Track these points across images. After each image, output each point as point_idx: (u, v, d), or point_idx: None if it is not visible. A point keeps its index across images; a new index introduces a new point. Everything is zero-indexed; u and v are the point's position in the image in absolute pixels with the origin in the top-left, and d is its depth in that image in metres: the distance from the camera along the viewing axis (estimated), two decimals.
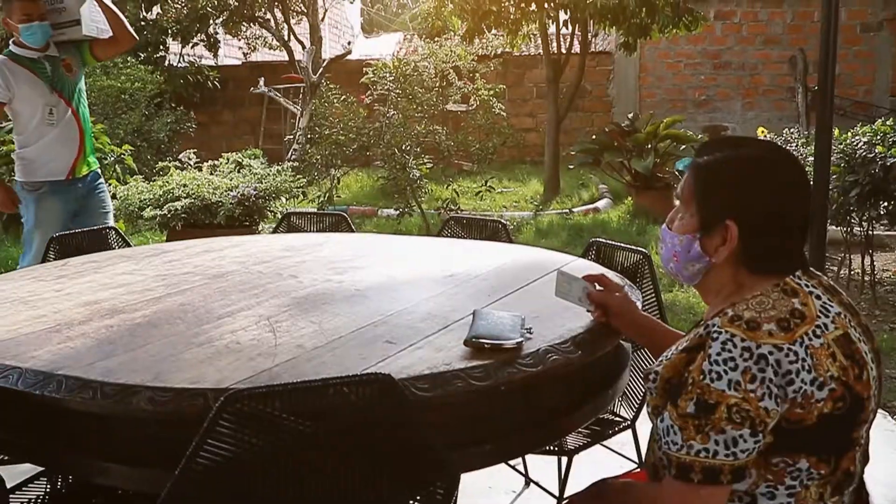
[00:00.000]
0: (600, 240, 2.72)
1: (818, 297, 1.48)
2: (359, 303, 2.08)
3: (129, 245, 3.24)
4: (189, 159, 6.34)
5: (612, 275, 2.28)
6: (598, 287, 1.95)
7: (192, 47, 11.99)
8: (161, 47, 11.08)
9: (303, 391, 1.42)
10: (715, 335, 1.41)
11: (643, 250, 2.54)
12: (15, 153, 4.18)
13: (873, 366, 1.48)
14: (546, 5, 8.42)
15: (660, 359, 1.52)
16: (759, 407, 1.35)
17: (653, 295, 2.46)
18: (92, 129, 6.37)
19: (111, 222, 4.29)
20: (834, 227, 5.52)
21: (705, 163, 1.57)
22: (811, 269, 1.56)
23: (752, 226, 1.51)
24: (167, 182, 5.75)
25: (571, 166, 9.67)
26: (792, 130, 7.03)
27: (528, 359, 1.68)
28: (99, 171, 4.40)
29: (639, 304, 2.03)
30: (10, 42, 4.06)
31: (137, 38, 4.62)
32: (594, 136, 9.39)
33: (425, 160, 7.54)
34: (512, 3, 8.68)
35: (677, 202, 1.65)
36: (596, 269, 2.44)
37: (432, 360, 1.64)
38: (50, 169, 4.08)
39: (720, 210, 1.53)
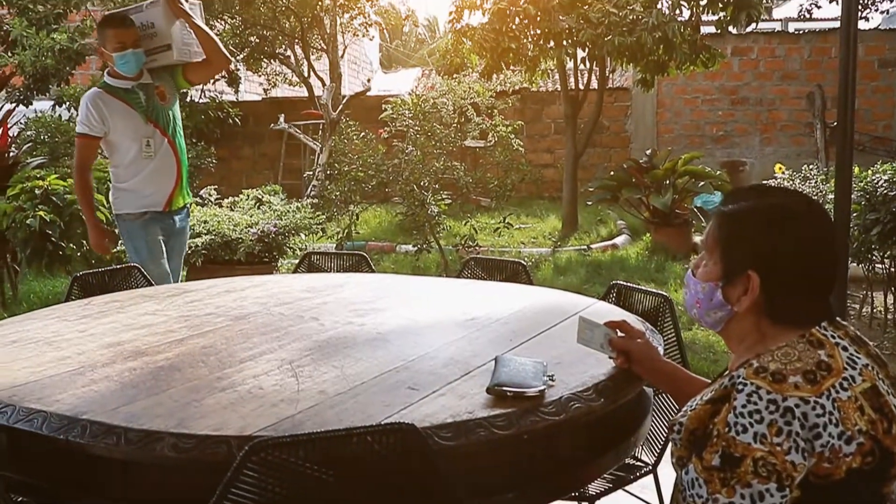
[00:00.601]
0: (620, 282, 2.72)
1: (844, 349, 1.46)
2: (380, 347, 2.09)
3: (151, 283, 3.26)
4: (210, 195, 6.40)
5: (633, 319, 2.27)
6: (619, 333, 1.95)
7: (214, 83, 12.13)
8: None
9: (326, 440, 1.43)
10: (740, 387, 1.40)
11: (664, 293, 2.53)
12: (112, 185, 4.09)
13: None
14: (564, 42, 8.48)
15: (684, 409, 1.51)
16: (786, 461, 1.33)
17: (674, 339, 2.45)
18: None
19: (181, 263, 4.31)
20: (855, 265, 5.48)
21: (730, 211, 1.57)
22: (838, 319, 1.54)
23: (775, 278, 1.50)
24: None
25: (589, 202, 9.68)
26: (811, 167, 7.03)
27: (550, 407, 1.67)
28: (189, 206, 4.32)
29: (660, 350, 2.02)
30: (105, 73, 3.98)
31: (231, 58, 4.66)
32: (612, 173, 9.41)
33: (444, 196, 7.56)
34: (530, 40, 8.75)
35: (703, 247, 1.65)
36: (617, 312, 2.43)
37: (455, 407, 1.64)
38: (150, 200, 4.01)
39: (743, 260, 1.53)
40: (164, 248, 4.04)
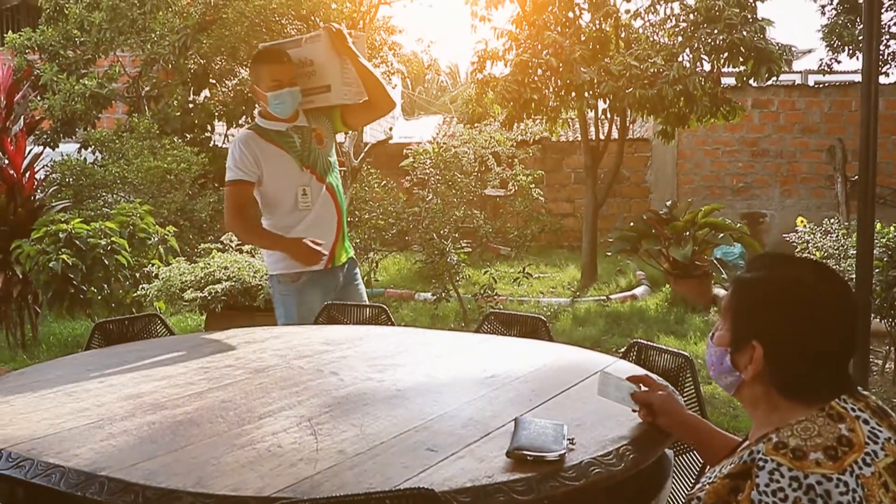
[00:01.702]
0: (641, 341, 2.70)
1: (865, 422, 1.44)
2: (400, 405, 2.08)
3: (171, 332, 3.27)
4: (231, 241, 6.43)
5: (653, 377, 2.26)
6: (642, 387, 1.95)
7: (237, 128, 12.30)
8: (207, 128, 11.38)
9: None
10: (761, 463, 1.38)
11: (685, 353, 2.51)
12: None
13: None
14: (585, 94, 8.55)
15: (702, 482, 1.49)
16: None
17: (695, 400, 2.42)
18: (139, 209, 6.54)
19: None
20: (878, 321, 5.42)
21: (744, 279, 1.59)
22: (859, 389, 1.51)
23: (778, 351, 1.50)
24: (208, 264, 5.83)
25: (609, 253, 9.66)
26: (832, 220, 6.98)
27: (570, 472, 1.65)
28: (354, 257, 3.86)
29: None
30: (257, 114, 3.65)
31: (395, 102, 4.16)
32: (632, 223, 9.40)
33: (463, 245, 7.58)
34: (552, 91, 8.82)
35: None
36: (638, 370, 2.41)
37: (474, 471, 1.63)
38: None
39: (748, 330, 1.54)
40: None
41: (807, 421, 1.44)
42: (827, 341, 1.49)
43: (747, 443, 1.51)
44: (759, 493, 1.35)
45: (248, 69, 11.78)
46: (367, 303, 3.73)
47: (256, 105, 3.65)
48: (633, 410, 1.90)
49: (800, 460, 1.37)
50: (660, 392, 1.91)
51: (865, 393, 1.53)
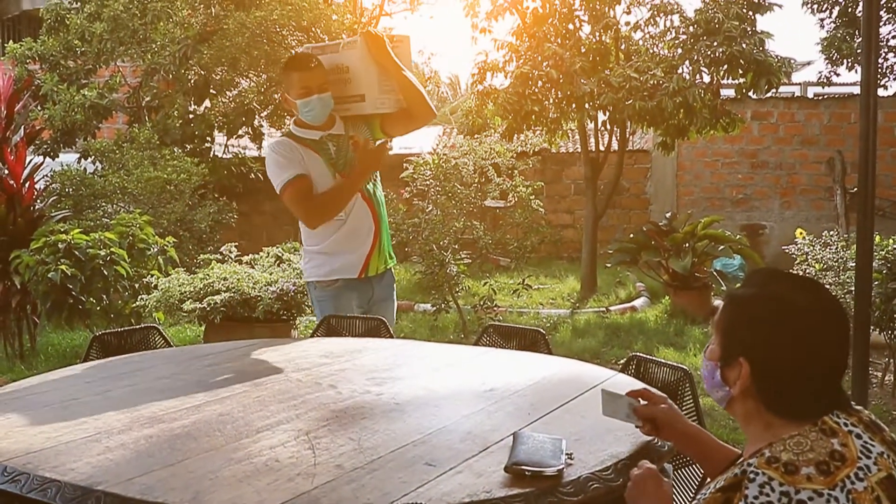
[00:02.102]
0: (640, 354, 2.70)
1: (858, 437, 1.44)
2: (398, 419, 2.07)
3: (169, 344, 3.27)
4: (230, 252, 6.43)
5: (652, 389, 2.25)
6: (642, 401, 1.93)
7: (237, 139, 12.30)
8: (207, 139, 11.39)
9: None
10: (752, 476, 1.38)
11: (684, 367, 2.51)
12: (303, 249, 3.68)
13: None
14: (585, 106, 8.56)
15: (697, 497, 1.49)
16: None
17: (694, 413, 2.42)
18: (138, 220, 6.54)
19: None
20: (877, 333, 5.42)
21: (735, 295, 1.60)
22: (853, 404, 1.52)
23: (765, 368, 1.50)
24: (208, 275, 5.83)
25: (609, 264, 9.66)
26: (831, 232, 6.99)
27: (568, 487, 1.65)
28: (393, 271, 3.78)
29: None
30: (291, 122, 3.60)
31: (436, 112, 4.06)
32: (632, 235, 9.40)
33: (463, 256, 7.57)
34: (552, 103, 8.84)
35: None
36: (637, 384, 2.41)
37: (472, 486, 1.62)
38: (341, 265, 3.52)
39: (736, 346, 1.55)
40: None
41: (799, 436, 1.44)
42: (815, 360, 1.49)
43: (742, 458, 1.51)
44: None
45: (248, 79, 11.82)
46: (394, 321, 3.68)
47: (287, 116, 3.59)
48: (637, 427, 1.88)
49: (791, 475, 1.37)
50: (662, 405, 1.90)
51: (859, 408, 1.53)
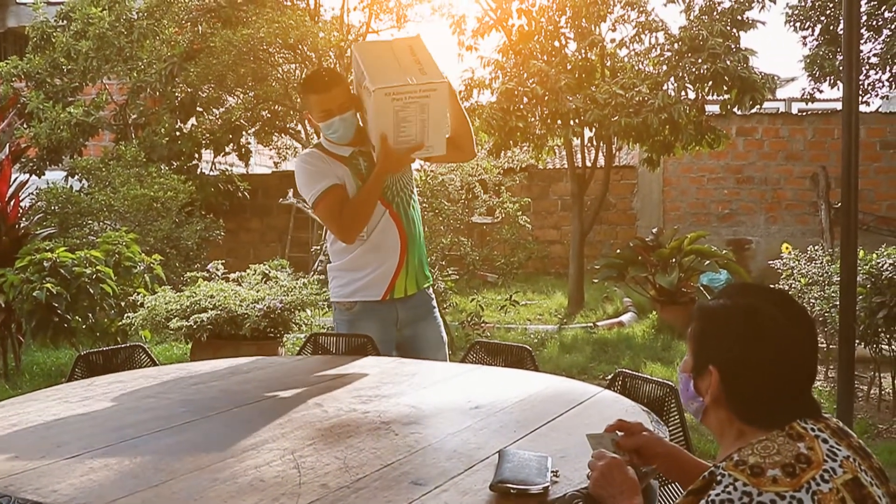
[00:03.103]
0: (626, 370, 2.70)
1: (825, 441, 1.48)
2: (384, 437, 2.07)
3: (155, 363, 3.25)
4: (217, 270, 6.42)
5: (637, 409, 2.26)
6: (620, 433, 1.94)
7: (224, 156, 12.31)
8: (194, 156, 11.38)
9: None
10: (719, 478, 1.43)
11: (669, 383, 2.51)
12: (328, 267, 3.49)
13: None
14: (571, 122, 8.61)
15: None
16: None
17: (680, 429, 2.42)
18: (125, 238, 6.51)
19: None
20: (862, 346, 5.45)
21: (704, 307, 1.67)
22: (821, 413, 1.56)
23: (733, 376, 1.56)
24: (194, 293, 5.82)
25: (596, 280, 9.69)
26: (816, 247, 7.03)
27: None
28: (431, 291, 3.53)
29: (666, 438, 2.01)
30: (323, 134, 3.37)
31: (476, 154, 3.87)
32: (618, 251, 9.43)
33: (450, 272, 7.58)
34: (538, 119, 8.88)
35: None
36: (623, 402, 2.42)
37: None
38: (363, 285, 3.30)
39: (706, 355, 1.61)
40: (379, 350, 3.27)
41: (767, 440, 1.48)
42: (783, 368, 1.54)
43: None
44: (708, 502, 1.40)
45: (235, 97, 11.83)
46: (444, 339, 3.49)
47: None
48: (623, 459, 1.90)
49: (757, 477, 1.40)
50: (644, 433, 1.91)
51: (827, 416, 1.57)
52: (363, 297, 3.32)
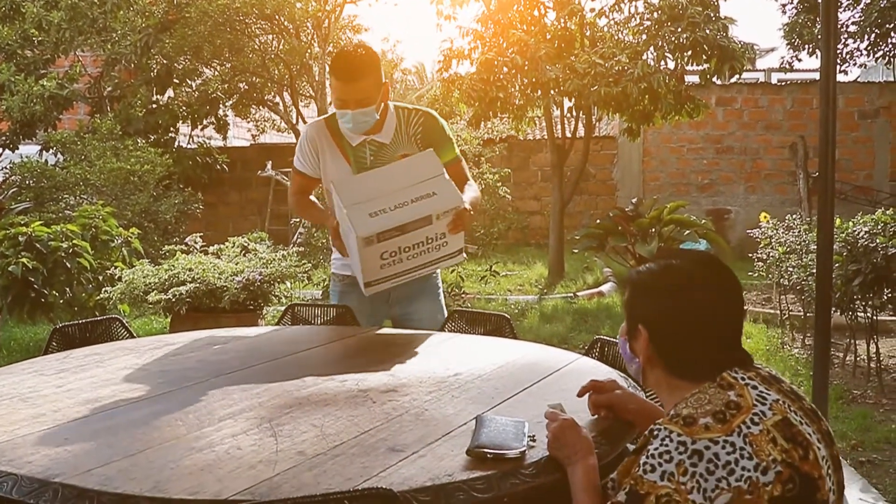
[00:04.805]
0: (604, 337, 2.71)
1: (754, 388, 1.55)
2: (361, 405, 2.06)
3: (132, 335, 3.23)
4: (195, 243, 6.37)
5: (616, 374, 2.27)
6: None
7: (202, 129, 12.20)
8: (171, 129, 11.27)
9: None
10: (656, 432, 1.50)
11: None
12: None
13: (820, 446, 1.51)
14: (551, 92, 8.58)
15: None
16: (688, 499, 1.41)
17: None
18: (101, 211, 6.44)
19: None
20: (838, 314, 5.50)
21: (633, 273, 1.75)
22: (752, 362, 1.63)
23: (661, 333, 1.64)
24: (173, 266, 5.77)
25: (576, 250, 9.71)
26: (794, 216, 7.08)
27: (531, 469, 1.65)
28: (436, 274, 3.36)
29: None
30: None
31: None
32: (598, 221, 9.46)
33: None
34: (517, 89, 8.85)
35: None
36: (602, 368, 2.43)
37: (434, 470, 1.62)
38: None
39: (636, 318, 1.69)
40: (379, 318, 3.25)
41: (699, 392, 1.55)
42: (706, 322, 1.62)
43: None
44: (647, 457, 1.47)
45: (212, 69, 11.70)
46: (438, 319, 3.29)
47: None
48: (598, 416, 1.92)
49: (690, 426, 1.47)
50: (617, 391, 1.93)
51: (759, 365, 1.64)
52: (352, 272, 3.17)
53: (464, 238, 2.88)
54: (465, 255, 2.98)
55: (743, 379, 1.56)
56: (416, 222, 2.71)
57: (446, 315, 3.33)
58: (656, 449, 1.47)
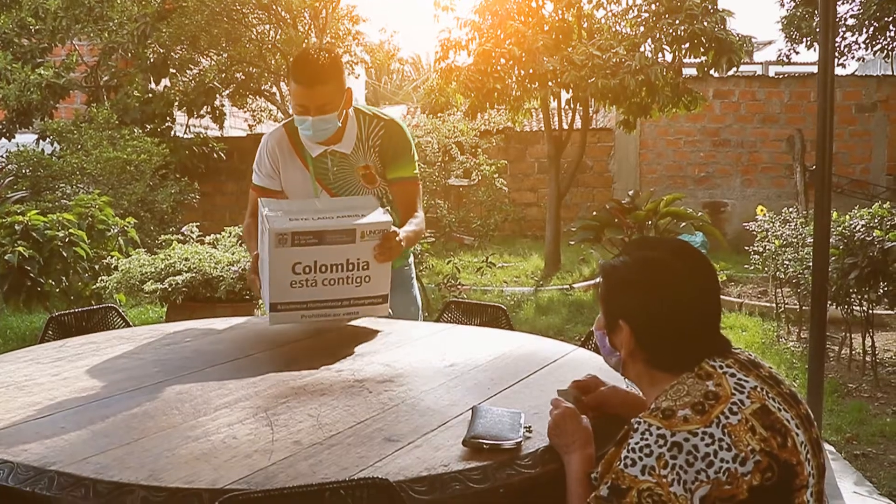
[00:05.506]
0: None
1: (732, 375, 1.55)
2: (357, 395, 2.07)
3: (128, 324, 3.23)
4: (192, 232, 6.36)
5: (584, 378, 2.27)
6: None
7: (199, 118, 12.16)
8: (168, 119, 11.24)
9: (299, 495, 1.41)
10: (636, 426, 1.50)
11: None
12: None
13: (799, 431, 1.52)
14: (548, 84, 8.57)
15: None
16: (670, 492, 1.42)
17: None
18: (98, 200, 6.43)
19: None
20: (834, 307, 5.51)
21: (607, 265, 1.72)
22: (731, 348, 1.63)
23: (643, 327, 1.63)
24: (169, 255, 5.76)
25: (572, 242, 9.72)
26: (791, 210, 7.09)
27: (527, 460, 1.66)
28: (409, 268, 3.25)
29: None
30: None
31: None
32: (595, 213, 9.46)
33: (427, 235, 7.57)
34: (515, 81, 8.83)
35: None
36: (595, 360, 2.43)
37: (430, 460, 1.62)
38: None
39: (615, 311, 1.68)
40: None
41: (678, 384, 1.55)
42: (684, 312, 1.61)
43: None
44: (628, 451, 1.47)
45: (209, 58, 11.66)
46: (414, 312, 3.19)
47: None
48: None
49: (668, 419, 1.48)
50: (602, 389, 1.93)
51: (737, 349, 1.64)
52: None
53: (390, 285, 2.65)
54: (389, 309, 2.70)
55: (721, 367, 1.56)
56: (336, 233, 2.50)
57: (420, 306, 3.24)
58: (637, 443, 1.47)
